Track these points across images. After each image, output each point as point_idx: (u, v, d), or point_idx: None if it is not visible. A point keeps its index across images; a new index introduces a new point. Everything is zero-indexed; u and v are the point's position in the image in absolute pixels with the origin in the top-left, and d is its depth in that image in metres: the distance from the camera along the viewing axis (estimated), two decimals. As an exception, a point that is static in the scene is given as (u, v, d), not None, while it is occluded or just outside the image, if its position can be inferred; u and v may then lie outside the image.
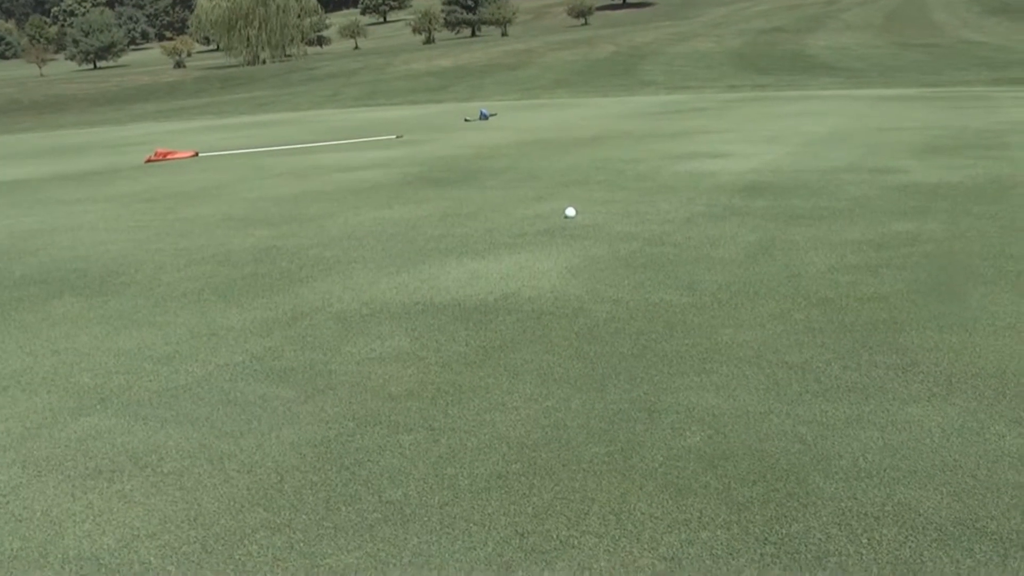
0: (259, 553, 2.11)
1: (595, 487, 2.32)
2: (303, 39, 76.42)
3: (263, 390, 3.14)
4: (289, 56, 72.74)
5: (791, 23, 57.54)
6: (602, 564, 2.00)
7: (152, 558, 2.12)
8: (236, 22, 72.23)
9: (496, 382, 3.07)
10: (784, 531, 2.07)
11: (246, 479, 2.47)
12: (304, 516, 2.26)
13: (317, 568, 2.05)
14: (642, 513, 2.18)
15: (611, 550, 2.05)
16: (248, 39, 72.09)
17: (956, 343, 3.20)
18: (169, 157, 11.29)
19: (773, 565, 1.96)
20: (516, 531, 2.14)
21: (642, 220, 5.53)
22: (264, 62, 69.68)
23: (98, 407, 3.08)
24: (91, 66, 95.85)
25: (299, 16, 75.82)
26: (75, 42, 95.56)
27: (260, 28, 71.74)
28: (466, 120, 14.79)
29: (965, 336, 3.26)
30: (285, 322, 3.91)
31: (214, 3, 73.61)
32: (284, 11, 73.16)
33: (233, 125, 18.55)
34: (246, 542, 2.16)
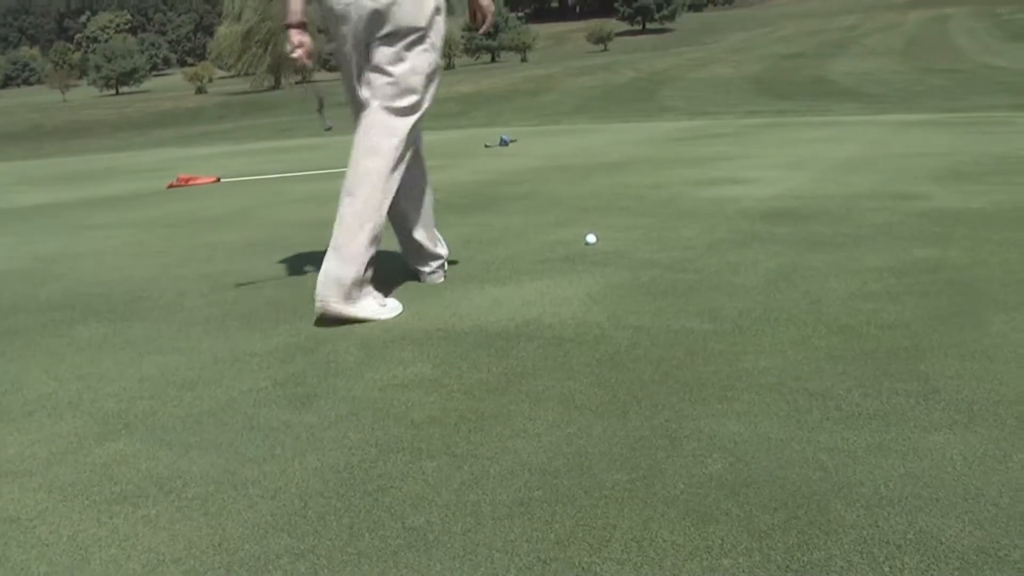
0: (283, 579, 2.12)
1: (617, 514, 2.32)
2: (318, 62, 76.65)
3: (286, 416, 3.16)
4: (299, 82, 73.18)
5: (811, 48, 57.56)
6: (624, 591, 2.01)
7: (177, 583, 2.13)
8: (249, 47, 72.88)
9: (518, 409, 3.08)
10: (806, 558, 2.07)
11: (270, 505, 2.49)
12: (328, 542, 2.27)
13: (341, 594, 2.06)
14: (664, 540, 2.19)
15: (633, 577, 2.05)
16: (259, 61, 72.65)
17: (978, 371, 3.19)
18: (191, 183, 11.37)
19: (795, 593, 1.97)
20: (539, 558, 2.14)
21: (663, 246, 5.55)
22: (275, 87, 70.19)
23: (123, 432, 3.10)
24: (113, 92, 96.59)
25: (312, 36, 76.12)
26: (97, 68, 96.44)
27: (267, 50, 72.31)
28: (486, 146, 14.84)
29: (987, 364, 3.26)
30: (308, 348, 3.93)
31: (231, 29, 74.34)
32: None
33: (254, 150, 18.66)
34: (270, 567, 2.17)
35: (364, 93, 4.35)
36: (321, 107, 5.30)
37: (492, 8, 4.66)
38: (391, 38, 4.22)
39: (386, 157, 4.25)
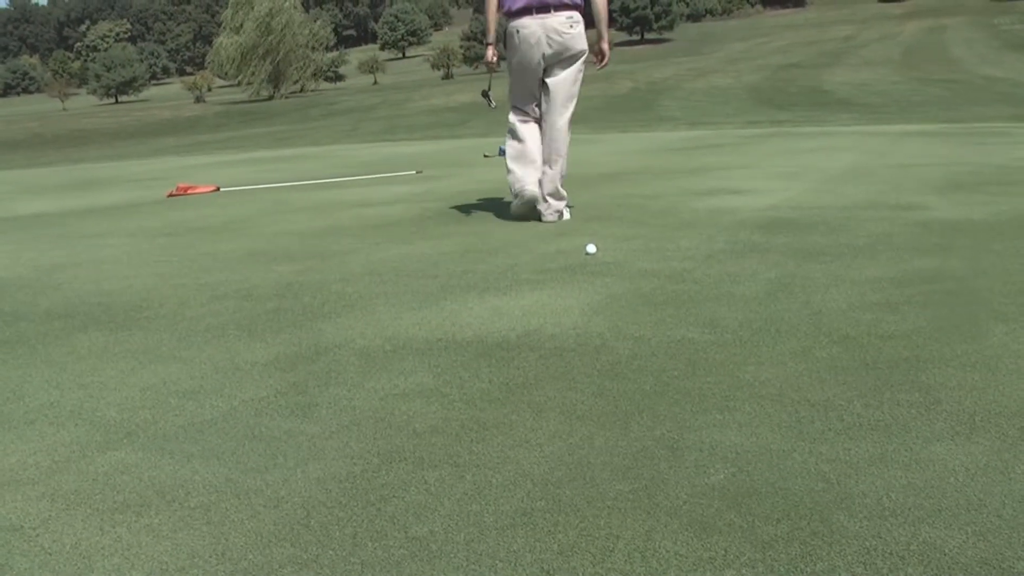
0: (287, 588, 2.12)
1: (620, 524, 2.32)
2: (316, 74, 76.90)
3: (288, 425, 3.16)
4: (299, 92, 73.25)
5: (809, 59, 57.63)
6: (628, 602, 2.01)
7: (181, 593, 2.13)
8: (248, 57, 73.05)
9: (520, 419, 3.09)
10: (809, 569, 2.08)
11: (273, 514, 2.49)
12: (331, 552, 2.27)
13: (344, 604, 2.06)
14: (667, 551, 2.19)
15: (637, 588, 2.05)
16: (259, 72, 72.85)
17: (979, 381, 3.20)
18: (190, 192, 11.36)
19: (799, 604, 1.97)
20: (542, 568, 2.15)
21: (663, 257, 5.55)
22: (272, 97, 70.29)
23: (125, 441, 3.10)
24: (113, 100, 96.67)
25: (311, 48, 76.44)
26: (97, 77, 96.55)
27: (265, 60, 72.43)
28: (485, 156, 14.84)
29: (988, 375, 3.26)
30: (309, 357, 3.94)
31: (231, 39, 74.51)
32: (293, 46, 73.89)
33: (253, 160, 18.67)
34: (274, 577, 2.17)
35: (546, 96, 7.01)
36: (487, 93, 7.57)
37: (608, 51, 7.19)
38: (568, 60, 6.90)
39: (568, 131, 7.19)
